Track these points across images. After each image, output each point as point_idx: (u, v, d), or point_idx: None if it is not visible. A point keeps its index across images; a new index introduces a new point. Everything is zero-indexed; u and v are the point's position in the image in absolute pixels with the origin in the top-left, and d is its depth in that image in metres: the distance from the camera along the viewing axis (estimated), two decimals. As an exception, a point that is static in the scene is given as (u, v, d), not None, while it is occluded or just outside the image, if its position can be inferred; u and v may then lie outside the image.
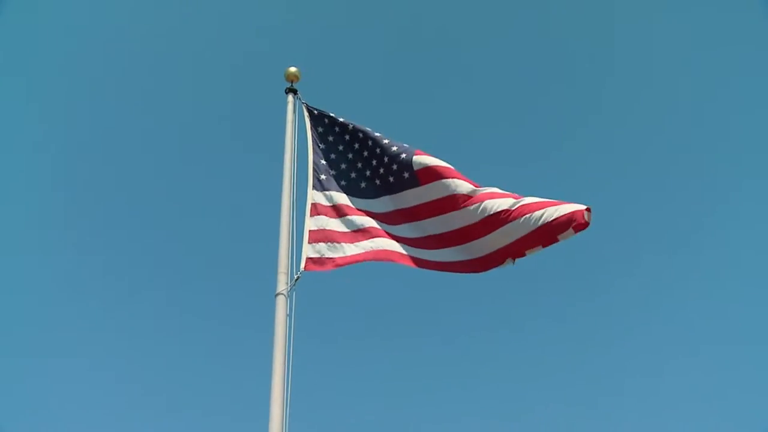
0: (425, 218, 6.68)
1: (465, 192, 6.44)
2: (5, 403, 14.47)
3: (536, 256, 6.09)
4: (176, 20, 20.90)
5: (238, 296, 18.51)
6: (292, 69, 7.94)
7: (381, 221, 6.76)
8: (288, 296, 6.05)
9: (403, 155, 6.89)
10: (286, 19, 21.47)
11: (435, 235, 6.56)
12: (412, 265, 6.45)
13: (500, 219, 6.11)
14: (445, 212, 6.50)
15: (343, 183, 7.17)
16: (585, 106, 21.66)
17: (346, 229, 6.69)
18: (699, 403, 16.36)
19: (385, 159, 7.06)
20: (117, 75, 20.28)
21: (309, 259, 6.36)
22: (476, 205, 6.31)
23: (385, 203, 6.96)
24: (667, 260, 19.37)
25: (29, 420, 15.02)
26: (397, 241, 6.55)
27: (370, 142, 7.26)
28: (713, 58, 19.73)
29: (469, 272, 6.42)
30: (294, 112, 7.63)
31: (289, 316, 5.94)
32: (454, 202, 6.46)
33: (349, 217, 6.77)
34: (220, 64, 21.48)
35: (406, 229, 6.69)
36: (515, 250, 6.10)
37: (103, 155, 20.07)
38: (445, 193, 6.53)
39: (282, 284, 6.11)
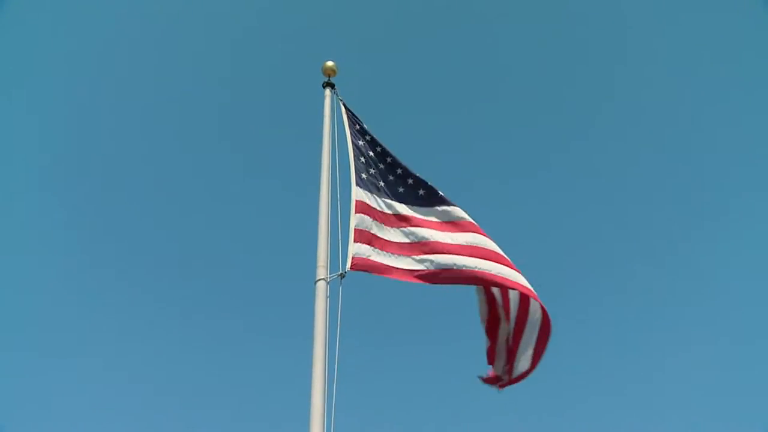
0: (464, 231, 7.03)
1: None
2: (7, 403, 15.08)
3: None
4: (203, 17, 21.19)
5: (278, 288, 19.44)
6: (330, 63, 8.15)
7: (437, 230, 6.97)
8: (328, 282, 6.22)
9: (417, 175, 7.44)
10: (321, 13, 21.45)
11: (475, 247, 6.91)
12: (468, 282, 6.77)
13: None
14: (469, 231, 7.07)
15: (381, 184, 7.26)
16: (587, 108, 22.06)
17: (403, 240, 6.80)
18: (700, 403, 16.95)
19: (407, 171, 7.47)
20: (147, 70, 20.96)
21: (355, 258, 6.39)
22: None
23: (432, 212, 7.19)
24: (669, 263, 20.12)
25: (31, 420, 15.64)
26: (459, 254, 6.75)
27: (389, 154, 7.59)
28: (712, 59, 19.95)
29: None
30: (331, 106, 7.81)
31: (329, 298, 6.11)
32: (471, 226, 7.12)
33: (404, 228, 6.88)
34: (256, 58, 22.14)
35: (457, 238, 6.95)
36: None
37: (147, 149, 21.14)
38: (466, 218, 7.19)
39: (321, 274, 6.27)
